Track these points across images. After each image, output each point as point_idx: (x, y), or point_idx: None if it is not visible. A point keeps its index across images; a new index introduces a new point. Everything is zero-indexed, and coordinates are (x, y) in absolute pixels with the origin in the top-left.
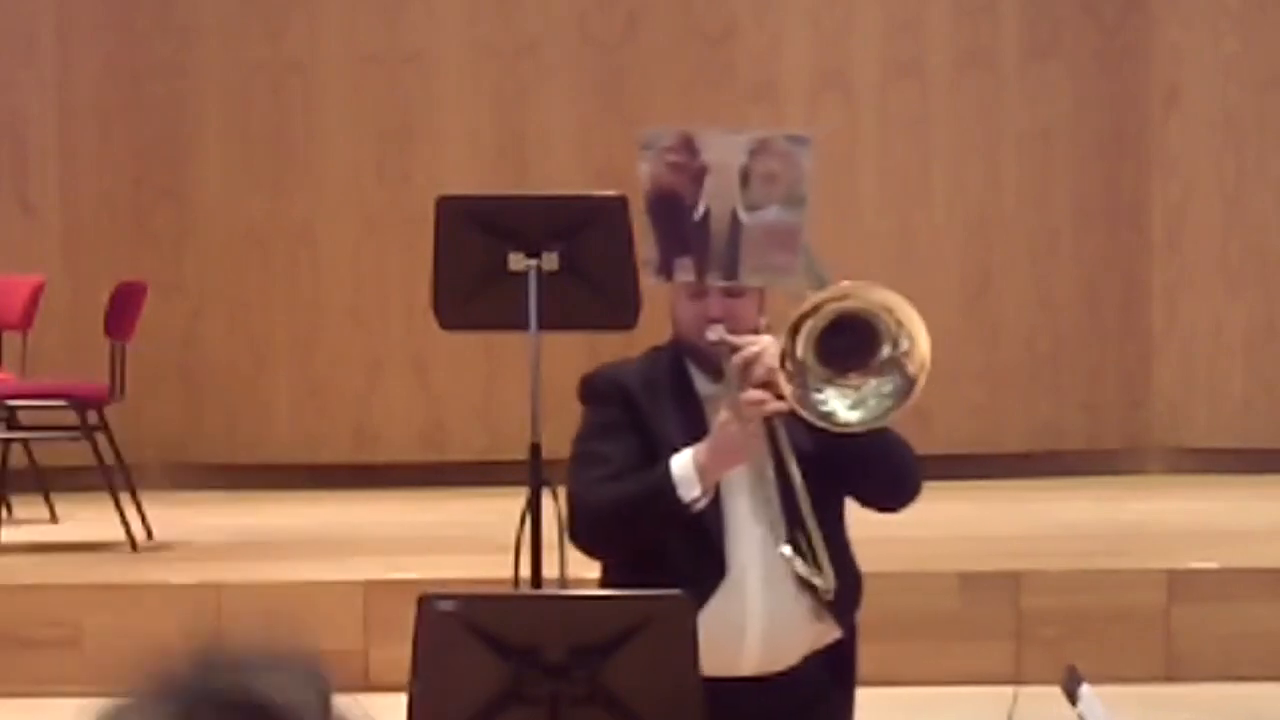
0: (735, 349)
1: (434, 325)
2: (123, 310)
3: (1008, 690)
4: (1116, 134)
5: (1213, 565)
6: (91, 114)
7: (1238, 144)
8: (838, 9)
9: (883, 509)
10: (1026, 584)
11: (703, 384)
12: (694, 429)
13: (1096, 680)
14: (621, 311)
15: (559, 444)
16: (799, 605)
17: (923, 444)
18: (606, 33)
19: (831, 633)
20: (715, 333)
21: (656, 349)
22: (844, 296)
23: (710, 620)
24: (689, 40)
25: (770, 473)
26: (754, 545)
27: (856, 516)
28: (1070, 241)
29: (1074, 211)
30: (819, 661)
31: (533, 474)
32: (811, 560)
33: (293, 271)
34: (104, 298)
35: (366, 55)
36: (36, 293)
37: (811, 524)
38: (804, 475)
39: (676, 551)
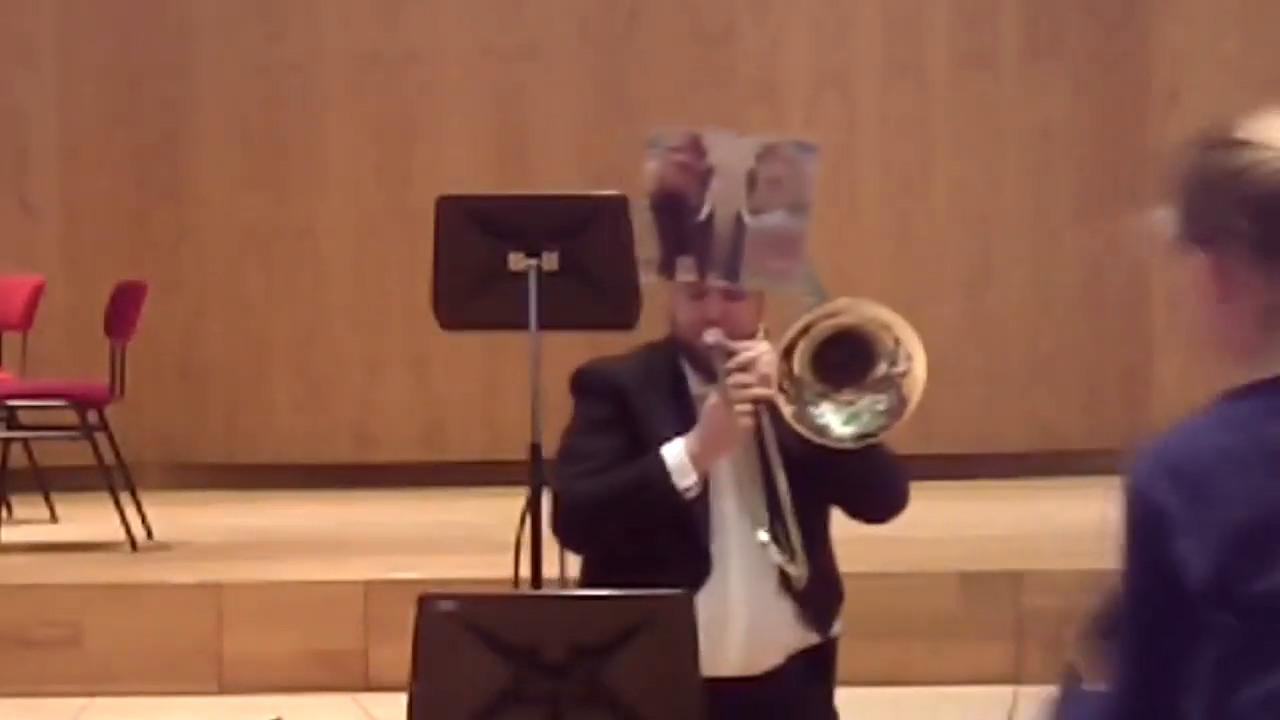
0: (731, 353)
1: (434, 325)
2: (123, 310)
3: (1008, 690)
4: (1117, 134)
5: None
6: (91, 114)
7: None
8: (838, 9)
9: (868, 520)
10: (1027, 584)
11: (696, 384)
12: (685, 428)
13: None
14: (622, 311)
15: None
16: (781, 606)
17: (923, 444)
18: (606, 33)
19: (812, 637)
20: (712, 335)
21: (652, 345)
22: (842, 312)
23: None
24: (689, 40)
25: (759, 477)
26: (738, 547)
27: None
28: (1070, 242)
29: (1074, 211)
30: (802, 661)
31: (533, 474)
32: (787, 548)
33: (293, 271)
34: (104, 298)
35: (366, 55)
36: (36, 293)
37: (790, 515)
38: (792, 480)
39: (660, 550)
